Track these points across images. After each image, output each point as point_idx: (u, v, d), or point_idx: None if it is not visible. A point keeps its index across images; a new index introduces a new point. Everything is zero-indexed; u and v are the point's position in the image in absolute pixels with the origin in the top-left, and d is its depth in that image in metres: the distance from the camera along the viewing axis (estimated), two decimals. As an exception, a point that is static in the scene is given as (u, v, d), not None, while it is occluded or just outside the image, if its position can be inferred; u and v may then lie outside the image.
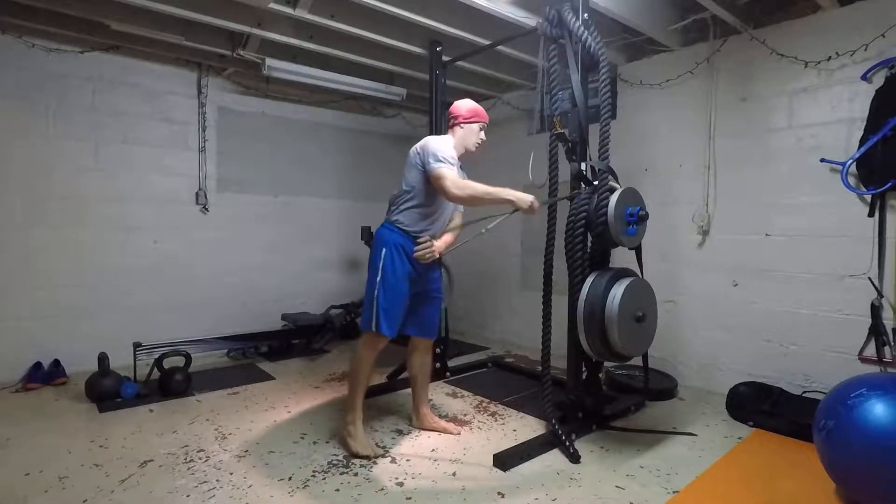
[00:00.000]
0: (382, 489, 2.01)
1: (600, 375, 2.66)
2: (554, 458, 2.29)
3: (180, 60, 3.75)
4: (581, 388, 2.55)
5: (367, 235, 4.32)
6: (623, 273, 2.39)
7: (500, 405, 2.96)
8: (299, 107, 4.49)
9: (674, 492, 2.01)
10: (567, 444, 2.30)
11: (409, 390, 3.16)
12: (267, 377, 3.41)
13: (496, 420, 2.75)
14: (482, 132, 2.47)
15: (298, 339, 4.03)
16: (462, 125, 2.44)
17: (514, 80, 3.98)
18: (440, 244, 2.37)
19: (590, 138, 2.48)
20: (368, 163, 4.97)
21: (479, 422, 2.72)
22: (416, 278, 2.37)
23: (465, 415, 2.81)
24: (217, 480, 2.06)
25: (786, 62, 2.86)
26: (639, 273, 2.47)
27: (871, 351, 2.56)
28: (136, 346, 3.18)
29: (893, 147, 2.45)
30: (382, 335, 2.30)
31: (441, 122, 3.46)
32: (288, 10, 2.80)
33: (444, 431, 2.54)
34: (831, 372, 2.64)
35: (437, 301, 2.53)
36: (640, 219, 2.39)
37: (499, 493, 1.99)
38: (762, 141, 2.97)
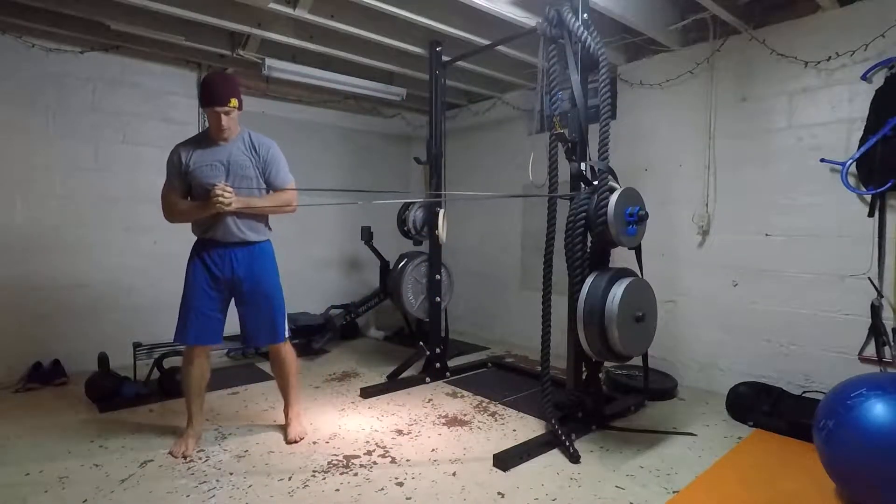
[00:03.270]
0: (382, 489, 2.01)
1: (600, 375, 2.66)
2: (554, 458, 2.29)
3: (180, 60, 3.75)
4: (581, 388, 2.55)
5: (367, 235, 4.33)
6: (623, 273, 2.39)
7: (500, 405, 2.96)
8: (299, 107, 4.48)
9: (674, 492, 2.01)
10: (567, 444, 2.30)
11: (408, 391, 3.18)
12: (267, 377, 3.40)
13: (496, 420, 2.75)
14: (216, 117, 2.19)
15: (298, 339, 4.01)
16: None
17: (514, 80, 3.98)
18: (236, 201, 2.17)
19: (589, 138, 2.48)
20: (368, 163, 4.97)
21: (479, 422, 2.72)
22: (228, 283, 2.30)
23: (465, 415, 2.81)
24: (217, 480, 2.06)
25: (786, 62, 2.86)
26: (638, 273, 2.47)
27: (871, 351, 2.56)
28: (136, 346, 3.17)
29: (893, 147, 2.45)
30: (185, 344, 2.31)
31: (441, 123, 3.47)
32: (288, 10, 2.80)
33: (293, 439, 2.42)
34: (831, 372, 2.64)
35: (263, 302, 2.34)
36: (639, 219, 2.39)
37: (499, 493, 1.99)
38: (762, 141, 2.97)
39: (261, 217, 2.36)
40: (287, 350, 2.49)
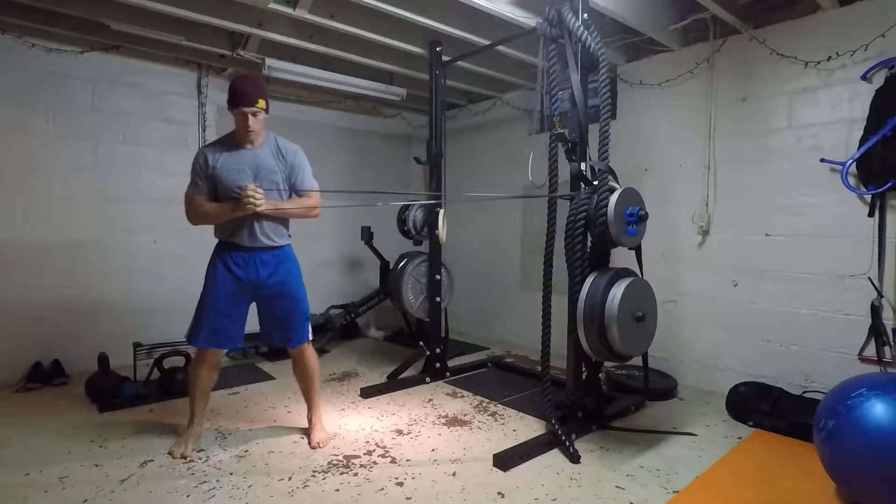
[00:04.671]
0: (382, 489, 2.01)
1: (600, 375, 2.66)
2: (554, 458, 2.29)
3: (180, 60, 3.75)
4: (581, 388, 2.55)
5: (368, 235, 4.33)
6: (623, 273, 2.39)
7: (500, 405, 2.96)
8: (299, 107, 4.49)
9: (674, 492, 2.01)
10: (567, 444, 2.30)
11: (408, 391, 3.18)
12: (267, 377, 3.41)
13: (496, 420, 2.75)
14: (243, 118, 2.18)
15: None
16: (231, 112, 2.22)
17: (514, 80, 3.98)
18: (264, 202, 2.15)
19: (590, 138, 2.48)
20: (368, 163, 4.97)
21: (479, 422, 2.72)
22: (252, 286, 2.28)
23: (465, 415, 2.81)
24: (217, 480, 2.06)
25: (786, 62, 2.86)
26: (639, 273, 2.47)
27: (871, 351, 2.56)
28: (136, 346, 3.18)
29: (893, 147, 2.45)
30: (197, 346, 2.29)
31: (441, 123, 3.47)
32: (288, 10, 2.80)
33: (315, 445, 2.39)
34: (831, 372, 2.64)
35: (288, 305, 2.33)
36: (639, 219, 2.39)
37: (499, 493, 1.99)
38: (762, 141, 2.97)
39: (283, 221, 2.34)
40: (310, 353, 2.45)
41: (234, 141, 2.27)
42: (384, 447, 2.38)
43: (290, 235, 2.40)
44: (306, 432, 2.50)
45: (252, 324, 2.45)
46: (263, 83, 2.28)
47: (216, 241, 2.35)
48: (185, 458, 2.23)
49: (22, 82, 3.20)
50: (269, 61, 3.45)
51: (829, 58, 2.71)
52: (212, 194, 2.25)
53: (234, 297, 2.27)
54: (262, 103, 2.19)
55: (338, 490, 2.00)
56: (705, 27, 3.14)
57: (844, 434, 1.79)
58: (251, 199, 2.11)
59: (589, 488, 2.03)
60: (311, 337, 2.43)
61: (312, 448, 2.37)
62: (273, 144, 2.30)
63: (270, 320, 2.37)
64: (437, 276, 3.51)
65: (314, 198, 2.34)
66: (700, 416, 2.80)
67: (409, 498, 1.96)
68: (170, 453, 2.26)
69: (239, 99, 2.16)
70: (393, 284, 3.94)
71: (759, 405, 2.67)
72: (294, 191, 2.33)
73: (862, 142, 2.55)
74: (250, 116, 2.17)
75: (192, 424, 2.35)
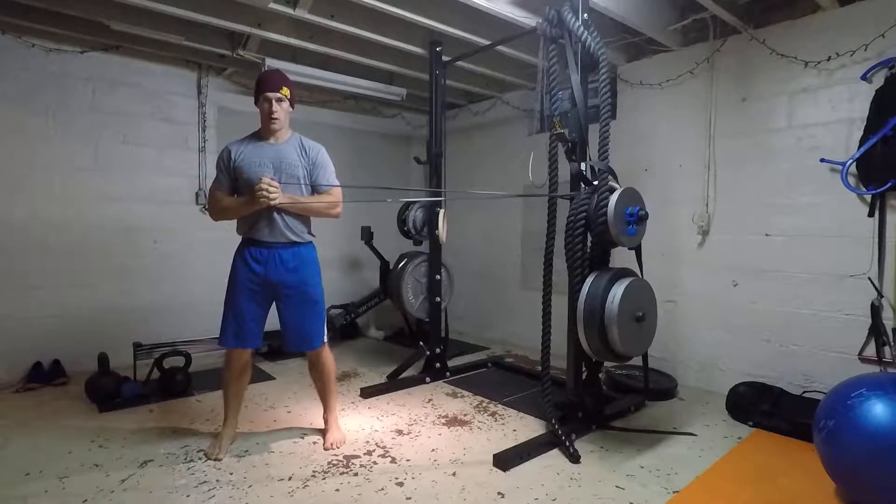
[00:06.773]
0: (382, 489, 2.01)
1: (600, 375, 2.66)
2: (554, 458, 2.29)
3: (180, 60, 3.75)
4: (581, 388, 2.55)
5: (367, 235, 4.33)
6: (623, 273, 2.39)
7: (500, 405, 2.96)
8: (299, 107, 4.41)
9: (674, 492, 2.01)
10: (567, 444, 2.30)
11: (408, 391, 3.18)
12: (267, 377, 3.41)
13: (496, 420, 2.75)
14: (267, 104, 2.20)
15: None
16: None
17: (514, 80, 3.98)
18: (281, 196, 2.12)
19: (590, 138, 2.48)
20: (368, 163, 4.97)
21: (479, 422, 2.71)
22: (271, 284, 2.23)
23: (465, 415, 2.81)
24: (217, 480, 2.06)
25: (786, 62, 2.86)
26: (639, 273, 2.47)
27: (871, 351, 2.56)
28: (136, 346, 3.18)
29: (893, 147, 2.45)
30: (226, 347, 2.29)
31: (441, 123, 3.47)
32: (288, 10, 2.80)
33: (329, 446, 2.37)
34: (831, 372, 2.64)
35: (306, 307, 2.28)
36: (639, 219, 2.39)
37: (499, 493, 1.99)
38: (762, 141, 2.97)
39: (305, 220, 2.31)
40: (326, 354, 2.43)
41: (258, 136, 2.29)
42: (384, 447, 2.38)
43: (313, 235, 2.36)
44: (306, 432, 2.50)
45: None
46: (289, 78, 2.31)
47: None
48: (219, 459, 2.22)
49: (22, 82, 3.20)
50: (269, 61, 3.45)
51: (829, 58, 2.71)
52: (232, 188, 2.24)
53: (252, 294, 2.24)
54: (286, 91, 2.23)
55: (338, 490, 2.00)
56: (705, 27, 3.14)
57: (844, 434, 1.79)
58: (264, 192, 2.06)
59: (589, 488, 2.03)
60: (325, 339, 2.39)
61: (326, 449, 2.35)
62: (297, 141, 2.32)
63: (289, 323, 2.29)
64: (437, 276, 3.51)
65: (335, 195, 2.32)
66: (700, 416, 2.80)
67: (409, 498, 1.96)
68: (206, 453, 2.26)
69: (263, 85, 2.20)
70: (393, 284, 3.94)
71: (759, 405, 2.67)
72: (315, 188, 2.31)
73: (862, 142, 2.55)
74: (274, 102, 2.20)
75: (226, 425, 2.36)
